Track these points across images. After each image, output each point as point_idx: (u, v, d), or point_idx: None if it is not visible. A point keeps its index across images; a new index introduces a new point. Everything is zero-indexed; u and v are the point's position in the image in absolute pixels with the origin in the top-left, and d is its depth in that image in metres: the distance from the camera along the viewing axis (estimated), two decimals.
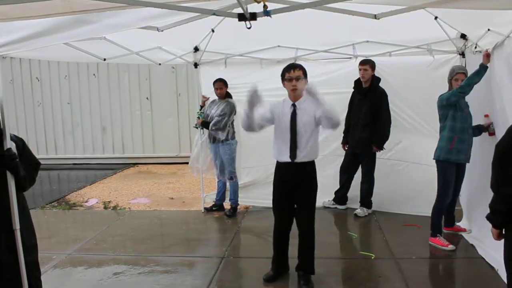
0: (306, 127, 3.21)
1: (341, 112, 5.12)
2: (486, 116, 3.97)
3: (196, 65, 5.41)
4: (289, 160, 3.24)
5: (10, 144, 2.44)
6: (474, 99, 4.04)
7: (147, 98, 9.11)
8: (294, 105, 3.26)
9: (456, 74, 3.95)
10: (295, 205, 3.38)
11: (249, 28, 2.24)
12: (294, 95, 3.26)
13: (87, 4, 2.12)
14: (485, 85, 3.76)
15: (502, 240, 2.20)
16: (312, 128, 3.23)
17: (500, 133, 3.61)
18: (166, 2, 2.21)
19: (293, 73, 3.22)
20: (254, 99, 3.10)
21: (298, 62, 5.18)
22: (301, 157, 3.23)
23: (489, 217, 2.20)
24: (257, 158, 5.39)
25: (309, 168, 3.30)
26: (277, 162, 3.37)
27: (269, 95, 4.16)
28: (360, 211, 5.09)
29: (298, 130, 3.21)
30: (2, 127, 2.44)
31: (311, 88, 3.07)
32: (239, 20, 2.24)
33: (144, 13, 2.50)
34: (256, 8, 2.25)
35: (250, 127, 3.26)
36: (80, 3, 2.11)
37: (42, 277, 3.38)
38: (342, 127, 5.20)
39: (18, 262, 2.45)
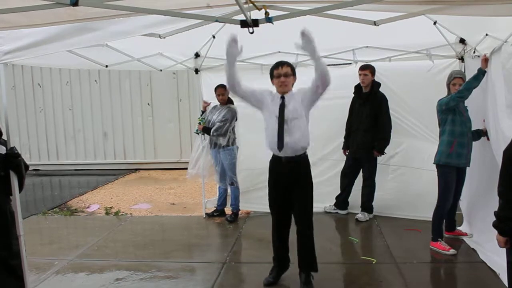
0: (294, 114, 3.20)
1: (342, 118, 5.17)
2: (484, 121, 3.99)
3: (197, 71, 5.44)
4: (277, 147, 3.21)
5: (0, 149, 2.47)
6: (473, 104, 4.06)
7: (148, 104, 9.14)
8: (282, 97, 3.26)
9: (454, 78, 3.98)
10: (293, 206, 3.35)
11: (251, 33, 2.26)
12: (282, 90, 3.27)
13: (91, 12, 2.15)
14: (484, 89, 3.78)
15: None
16: (300, 116, 3.21)
17: (492, 138, 3.62)
18: (170, 10, 2.24)
19: (281, 70, 3.26)
20: (233, 49, 3.07)
21: (298, 68, 5.21)
22: (291, 144, 3.19)
23: (496, 225, 2.14)
24: (255, 160, 5.39)
25: (302, 163, 3.29)
26: (271, 159, 3.36)
27: None
28: (361, 215, 5.09)
29: (286, 117, 3.20)
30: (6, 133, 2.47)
31: (307, 33, 2.95)
32: (242, 26, 2.26)
33: (147, 20, 2.54)
34: (258, 15, 2.27)
35: (230, 81, 3.23)
36: (84, 11, 2.14)
37: (43, 284, 3.40)
38: (342, 132, 5.24)
39: (7, 272, 2.50)
